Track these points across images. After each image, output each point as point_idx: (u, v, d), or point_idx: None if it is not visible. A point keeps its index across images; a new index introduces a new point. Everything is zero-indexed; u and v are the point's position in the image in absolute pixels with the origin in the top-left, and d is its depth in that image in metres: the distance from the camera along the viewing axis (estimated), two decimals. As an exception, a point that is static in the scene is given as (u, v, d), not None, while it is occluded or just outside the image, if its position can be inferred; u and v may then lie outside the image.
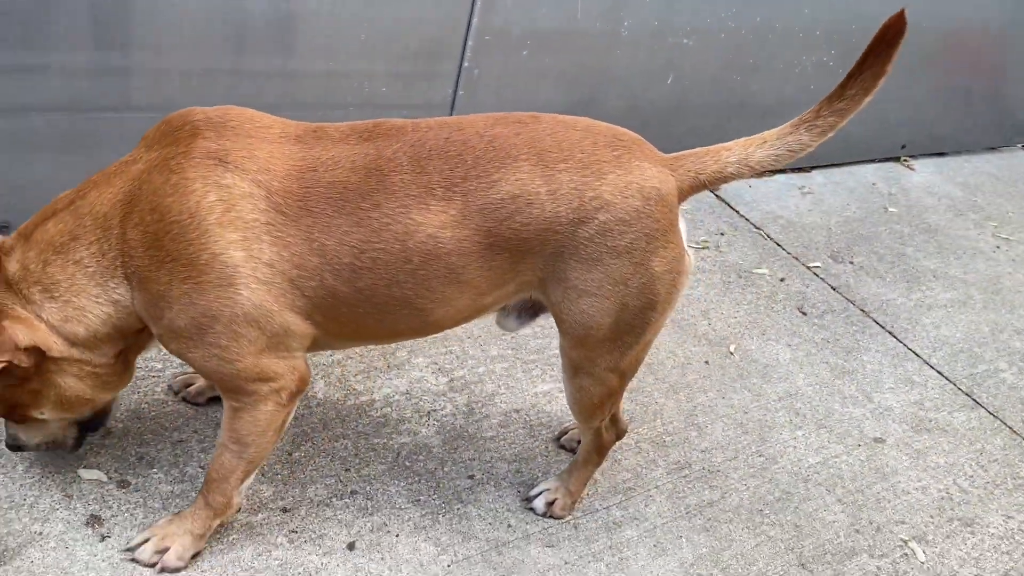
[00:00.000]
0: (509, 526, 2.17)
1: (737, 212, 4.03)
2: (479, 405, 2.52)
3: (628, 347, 1.86)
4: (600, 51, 3.51)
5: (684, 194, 1.83)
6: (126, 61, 2.54)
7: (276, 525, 2.01)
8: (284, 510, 2.05)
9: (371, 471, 2.22)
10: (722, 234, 3.80)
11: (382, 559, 2.00)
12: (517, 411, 2.53)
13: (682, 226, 1.84)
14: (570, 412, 2.10)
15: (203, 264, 1.55)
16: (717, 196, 4.13)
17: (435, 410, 2.46)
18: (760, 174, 1.88)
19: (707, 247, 3.66)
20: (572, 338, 1.85)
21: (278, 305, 1.62)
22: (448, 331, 2.75)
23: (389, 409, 2.43)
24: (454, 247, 1.64)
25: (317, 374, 2.46)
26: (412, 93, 3.11)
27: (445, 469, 2.28)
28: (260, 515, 2.03)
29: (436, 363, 2.64)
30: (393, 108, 3.09)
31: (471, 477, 2.27)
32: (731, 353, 3.03)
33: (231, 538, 1.95)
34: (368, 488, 2.17)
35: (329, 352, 2.56)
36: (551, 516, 2.20)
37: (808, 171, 4.60)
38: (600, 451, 2.17)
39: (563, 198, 1.67)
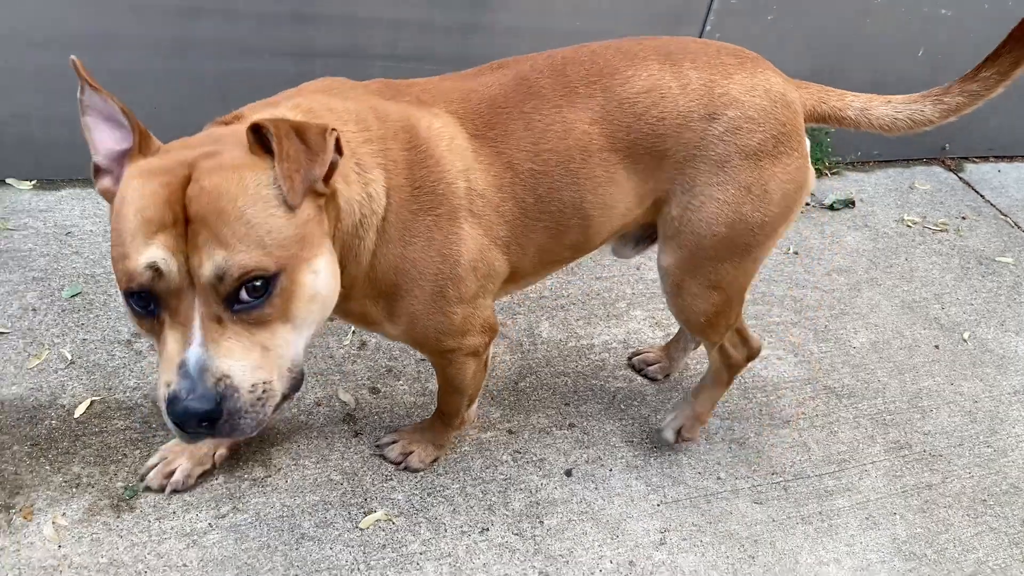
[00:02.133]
0: (719, 478, 2.22)
1: (982, 196, 3.78)
2: (693, 361, 2.57)
3: (734, 263, 1.80)
4: (847, 18, 3.39)
5: (805, 115, 1.79)
6: (396, 14, 2.77)
7: (502, 444, 2.18)
8: (510, 432, 2.22)
9: (588, 409, 2.34)
10: (963, 218, 3.59)
11: (596, 489, 2.12)
12: (733, 371, 2.56)
13: (807, 142, 1.79)
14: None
15: (439, 195, 1.53)
16: (960, 178, 3.89)
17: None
18: (878, 130, 1.80)
19: (945, 230, 3.48)
20: (680, 253, 1.78)
21: (488, 239, 1.61)
22: (669, 288, 2.81)
23: (607, 355, 2.53)
24: (604, 142, 1.65)
25: (542, 316, 2.61)
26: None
27: (658, 417, 2.36)
28: (489, 433, 2.20)
29: (653, 317, 2.71)
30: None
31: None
32: (964, 340, 2.89)
33: (463, 450, 2.14)
34: (585, 424, 2.29)
35: (552, 297, 2.69)
36: (682, 440, 2.21)
37: (1069, 159, 4.22)
38: (730, 370, 2.13)
39: (693, 92, 1.66)
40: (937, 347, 2.84)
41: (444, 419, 2.02)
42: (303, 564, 1.82)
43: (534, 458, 2.16)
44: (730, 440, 2.34)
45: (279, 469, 2.01)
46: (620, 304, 2.73)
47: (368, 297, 1.56)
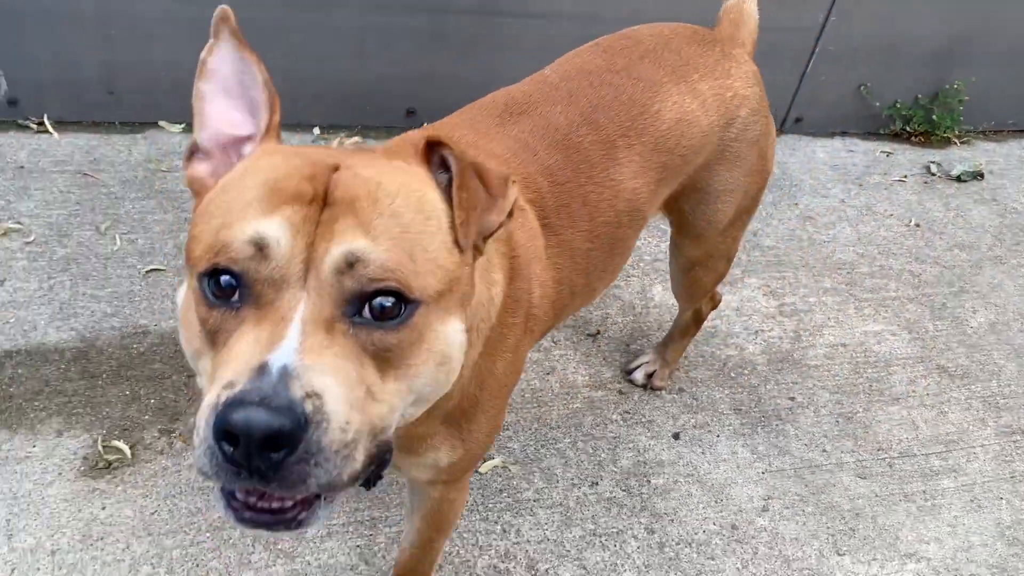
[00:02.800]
0: (824, 451, 2.27)
1: (1124, 173, 3.61)
2: (806, 333, 2.60)
3: (741, 231, 1.92)
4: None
5: None
6: (527, -28, 2.81)
7: (612, 404, 2.28)
8: (620, 392, 2.31)
9: (698, 375, 2.41)
10: (1101, 196, 3.44)
11: (702, 453, 2.20)
12: (844, 345, 2.58)
13: None
14: (676, 298, 2.18)
15: (525, 307, 1.34)
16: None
17: (763, 331, 2.58)
18: None
19: (1080, 208, 3.35)
20: (695, 237, 1.85)
21: (534, 339, 1.45)
22: (783, 257, 2.83)
23: (719, 322, 2.58)
24: (647, 192, 1.57)
25: (656, 279, 2.67)
26: (782, 15, 3.11)
27: (767, 387, 2.41)
28: (600, 392, 2.30)
29: (768, 286, 2.74)
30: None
31: (792, 399, 2.39)
32: (1090, 326, 2.81)
33: (575, 406, 2.25)
34: (694, 389, 2.37)
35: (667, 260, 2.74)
36: (651, 388, 2.31)
37: None
38: (698, 323, 2.27)
39: (711, 107, 1.63)
40: (1061, 332, 2.78)
41: None
42: (427, 503, 1.98)
43: (643, 419, 2.26)
44: (838, 414, 2.37)
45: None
46: (735, 271, 2.76)
47: (443, 418, 1.27)
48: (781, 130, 3.44)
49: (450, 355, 0.99)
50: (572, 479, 2.09)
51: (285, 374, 0.82)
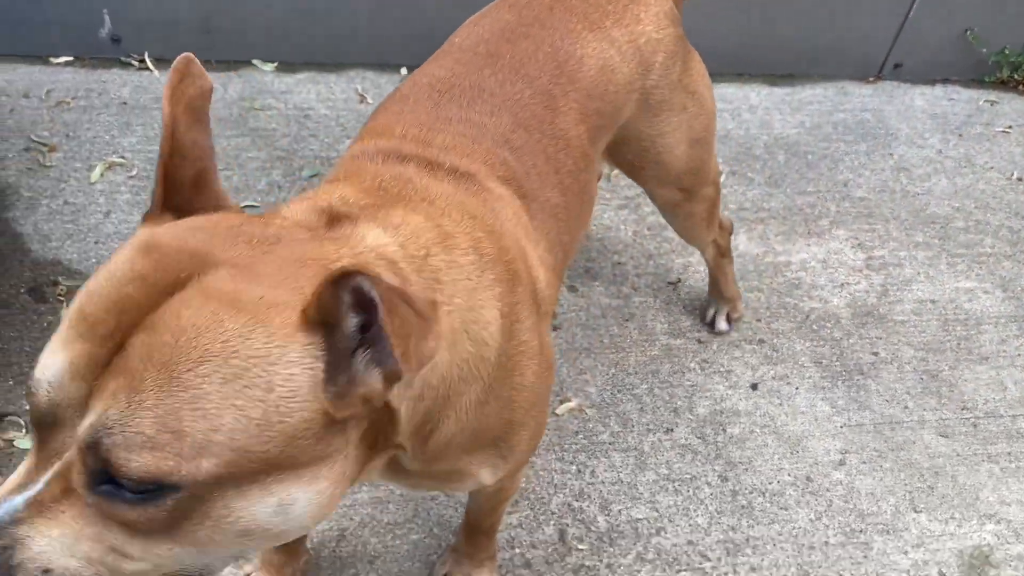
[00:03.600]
0: (906, 408, 2.24)
1: None
2: (894, 288, 2.54)
3: (708, 158, 1.87)
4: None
5: None
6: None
7: (691, 352, 2.29)
8: (699, 341, 2.32)
9: (780, 326, 2.39)
10: None
11: (780, 405, 2.20)
12: (933, 302, 2.52)
13: None
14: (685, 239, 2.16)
15: (535, 302, 1.27)
16: None
17: (848, 283, 2.54)
18: None
19: None
20: (656, 180, 1.85)
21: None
22: (874, 209, 2.76)
23: (804, 273, 2.55)
24: (587, 138, 1.53)
25: (740, 228, 2.63)
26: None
27: (850, 341, 2.38)
28: (679, 340, 2.31)
29: (856, 238, 2.68)
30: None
31: (875, 354, 2.36)
32: None
33: (652, 353, 2.27)
34: (775, 341, 2.35)
35: (753, 209, 2.71)
36: (734, 321, 2.35)
37: None
38: (724, 254, 2.24)
39: (627, 54, 1.56)
40: None
41: (490, 533, 1.74)
42: (505, 441, 2.04)
43: (721, 368, 2.26)
44: (922, 371, 2.33)
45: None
46: (823, 222, 2.71)
47: (466, 452, 1.17)
48: (879, 75, 3.32)
49: (259, 523, 0.83)
50: (648, 424, 2.12)
51: (7, 521, 0.80)
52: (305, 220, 0.99)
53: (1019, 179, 3.00)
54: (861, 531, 1.99)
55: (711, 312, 2.35)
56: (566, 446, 2.05)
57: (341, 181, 1.17)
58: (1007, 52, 3.30)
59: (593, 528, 1.92)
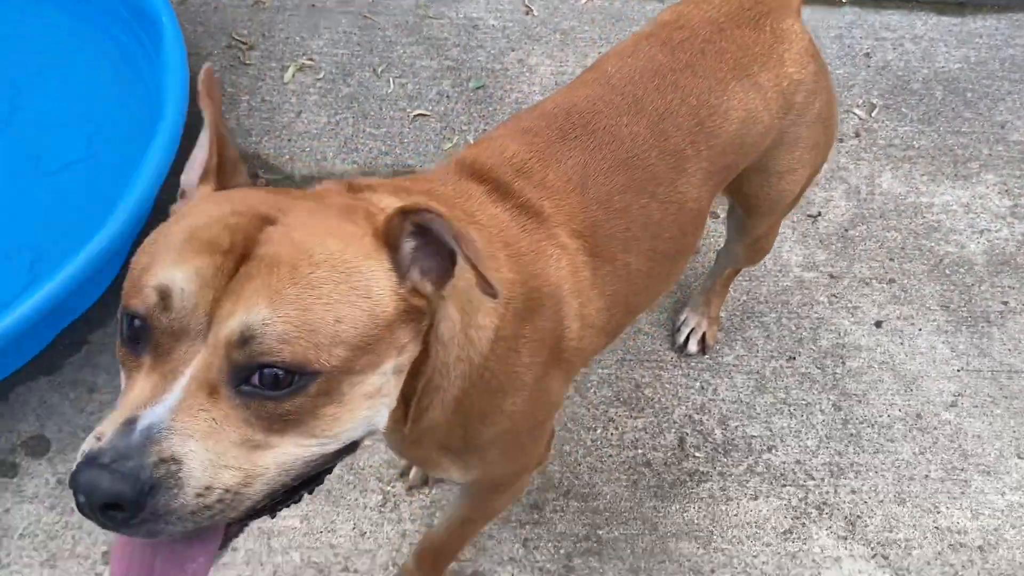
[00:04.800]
0: (1027, 358, 2.33)
1: None
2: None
3: (805, 190, 1.86)
4: None
5: None
6: None
7: (822, 287, 2.43)
8: (831, 276, 2.45)
9: (912, 268, 2.49)
10: None
11: (901, 344, 2.33)
12: (1076, 255, 2.55)
13: None
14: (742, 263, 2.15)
15: (551, 345, 1.33)
16: None
17: (989, 230, 2.58)
18: None
19: None
20: (761, 215, 1.84)
21: (579, 364, 1.46)
22: (1030, 155, 2.74)
23: (944, 216, 2.60)
24: (709, 197, 1.56)
25: (887, 165, 2.69)
26: None
27: (982, 288, 2.46)
28: (810, 273, 2.45)
29: (1005, 184, 2.69)
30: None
31: (1005, 303, 2.43)
32: None
33: (785, 284, 2.42)
34: (905, 281, 2.46)
35: (902, 147, 2.74)
36: (705, 350, 2.27)
37: None
38: (736, 274, 2.24)
39: (772, 101, 1.55)
40: None
41: (444, 560, 1.84)
42: (636, 352, 2.28)
43: (848, 304, 2.40)
44: (1051, 324, 2.40)
45: (627, 270, 2.42)
46: (972, 164, 2.72)
47: (439, 447, 1.31)
48: (1059, 8, 3.18)
49: (360, 413, 0.98)
50: (772, 351, 2.31)
51: (147, 436, 0.85)
52: (336, 190, 1.15)
53: None
54: (962, 469, 2.15)
55: (686, 332, 2.26)
56: (692, 363, 2.27)
57: (416, 179, 1.32)
58: None
59: (710, 439, 2.16)
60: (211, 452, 0.87)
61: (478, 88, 2.79)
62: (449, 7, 3.00)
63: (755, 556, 2.02)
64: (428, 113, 2.72)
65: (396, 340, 0.99)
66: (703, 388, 2.24)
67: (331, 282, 0.93)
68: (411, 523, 2.00)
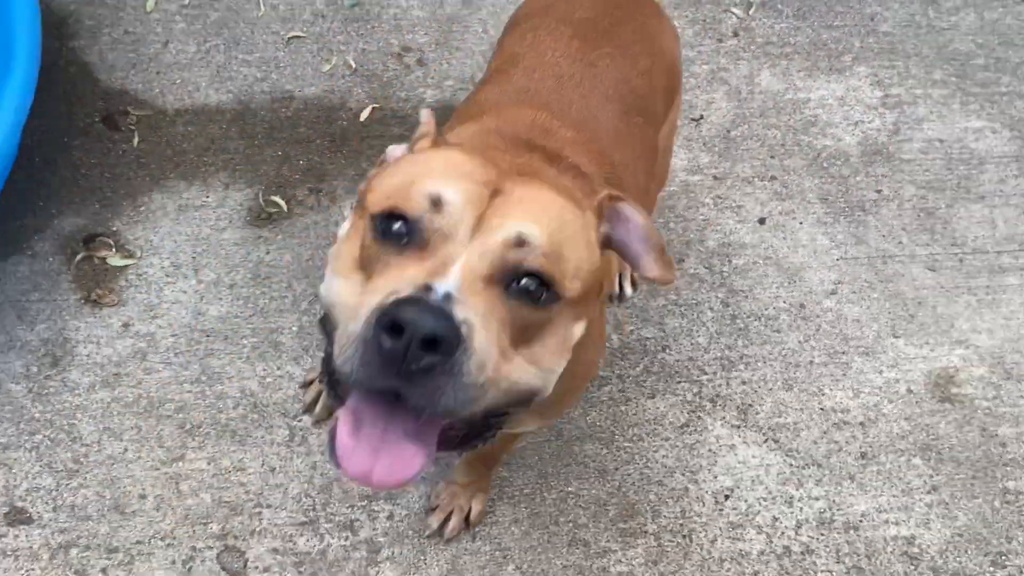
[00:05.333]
0: (900, 243, 2.46)
1: None
2: (906, 126, 2.68)
3: None
4: None
5: None
6: None
7: (707, 188, 2.49)
8: (715, 178, 2.51)
9: (792, 163, 2.57)
10: None
11: (784, 238, 2.43)
12: (941, 140, 2.67)
13: None
14: None
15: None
16: None
17: (863, 121, 2.68)
18: None
19: None
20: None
21: None
22: (897, 45, 2.83)
23: (821, 111, 2.68)
24: (663, 112, 1.77)
25: (765, 63, 2.74)
26: None
27: (857, 178, 2.56)
28: (696, 177, 2.51)
29: (876, 75, 2.78)
30: None
31: (878, 192, 2.54)
32: None
33: (670, 189, 2.47)
34: (785, 177, 2.54)
35: (779, 43, 2.79)
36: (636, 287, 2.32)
37: None
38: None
39: (673, 40, 1.83)
40: None
41: (491, 466, 1.92)
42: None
43: (733, 204, 2.47)
44: (920, 208, 2.53)
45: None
46: (846, 57, 2.80)
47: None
48: None
49: (567, 356, 1.09)
50: (662, 254, 2.36)
51: (448, 297, 0.91)
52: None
53: (1047, 13, 3.01)
54: (843, 352, 2.28)
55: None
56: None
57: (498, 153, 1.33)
58: None
59: (607, 345, 2.22)
60: (488, 332, 0.94)
61: (354, 6, 2.70)
62: (317, -79, 2.87)
63: (655, 451, 2.11)
64: (303, 35, 2.62)
65: (594, 299, 1.13)
66: (598, 296, 2.29)
67: (575, 227, 1.07)
68: (320, 455, 2.02)
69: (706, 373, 2.21)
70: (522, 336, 1.01)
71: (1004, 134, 2.71)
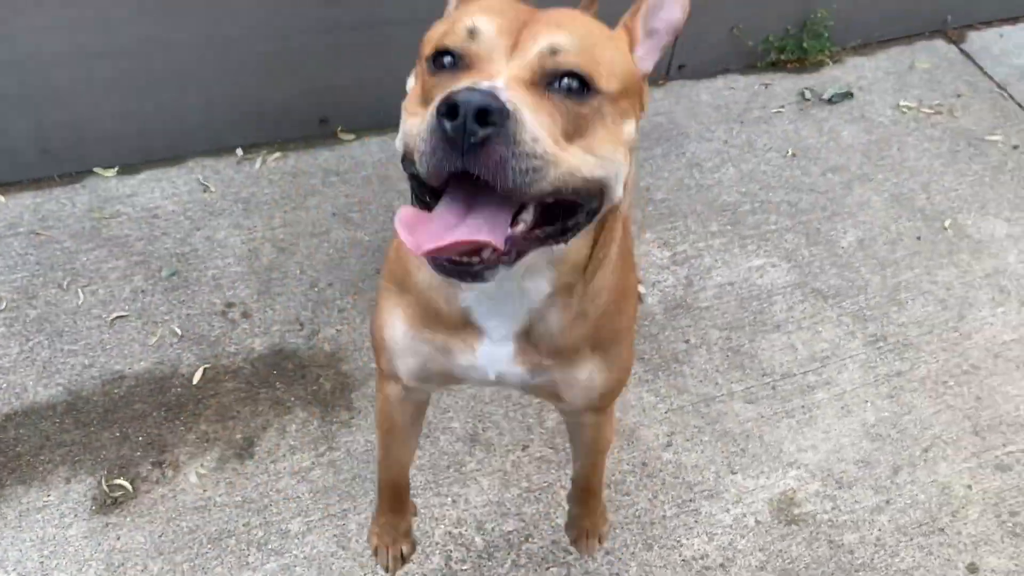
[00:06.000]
0: (716, 384, 2.68)
1: (980, 68, 3.96)
2: (697, 278, 2.98)
3: None
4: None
5: None
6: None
7: (535, 374, 2.66)
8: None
9: (606, 333, 2.79)
10: (959, 96, 3.81)
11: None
12: (731, 284, 2.97)
13: None
14: None
15: None
16: (962, 50, 4.06)
17: (659, 281, 2.96)
18: None
19: (940, 112, 3.71)
20: None
21: None
22: (674, 207, 3.18)
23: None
24: None
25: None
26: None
27: (665, 333, 2.80)
28: (523, 366, 2.68)
29: (661, 238, 3.10)
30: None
31: (686, 342, 2.79)
32: (945, 228, 3.22)
33: (502, 382, 2.63)
34: (604, 347, 2.75)
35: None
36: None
37: (1075, 12, 4.31)
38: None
39: None
40: (919, 238, 3.19)
41: (597, 493, 2.14)
42: (387, 488, 2.37)
43: (562, 383, 2.64)
44: (727, 348, 2.78)
45: (359, 411, 2.53)
46: (632, 228, 3.11)
47: (591, 331, 1.45)
48: (666, 77, 3.73)
49: (623, 149, 1.19)
50: (507, 445, 2.49)
51: (495, 88, 1.04)
52: None
53: (793, 155, 3.47)
54: (691, 500, 2.42)
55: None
56: (440, 480, 2.40)
57: None
58: (771, 39, 3.77)
59: (472, 548, 2.29)
60: (538, 117, 1.06)
61: (171, 275, 2.82)
62: (124, 203, 3.02)
63: (539, 644, 2.15)
64: (126, 313, 2.71)
65: (636, 104, 1.25)
66: (455, 502, 2.37)
67: (602, 36, 1.22)
68: None
69: (571, 553, 2.30)
70: (574, 129, 1.12)
71: (783, 266, 3.05)
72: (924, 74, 3.91)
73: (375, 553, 2.18)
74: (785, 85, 3.79)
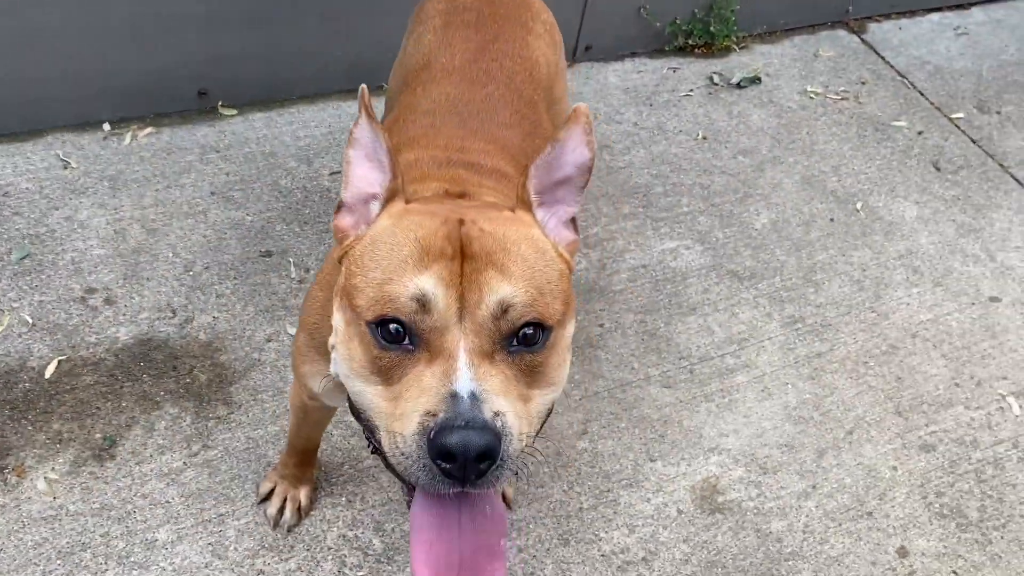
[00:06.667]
0: (632, 369, 2.51)
1: (882, 58, 3.97)
2: (610, 261, 2.82)
3: None
4: None
5: None
6: None
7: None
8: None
9: (515, 317, 2.59)
10: (863, 83, 3.79)
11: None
12: (644, 267, 2.82)
13: None
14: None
15: None
16: (863, 40, 4.06)
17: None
18: None
19: (846, 98, 3.68)
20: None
21: None
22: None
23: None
24: (548, 119, 2.03)
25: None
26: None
27: (579, 318, 2.62)
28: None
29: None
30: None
31: (601, 326, 2.61)
32: (857, 210, 3.16)
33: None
34: (513, 332, 2.55)
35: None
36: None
37: (968, 8, 4.39)
38: None
39: (548, 41, 2.14)
40: (832, 220, 3.11)
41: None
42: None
43: (468, 370, 2.42)
44: (642, 332, 2.62)
45: (240, 405, 2.25)
46: (540, 210, 2.93)
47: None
48: (573, 60, 3.59)
49: (566, 360, 1.22)
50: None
51: (475, 399, 1.03)
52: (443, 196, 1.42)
53: (704, 138, 3.37)
54: (608, 490, 2.23)
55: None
56: (333, 480, 2.14)
57: (420, 181, 1.52)
58: (678, 22, 3.67)
59: (371, 551, 2.03)
60: (514, 404, 1.07)
61: (23, 258, 2.47)
62: (-31, 180, 2.66)
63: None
64: (-35, 302, 2.35)
65: (573, 303, 1.24)
66: (350, 501, 2.11)
67: (532, 254, 1.17)
68: None
69: (479, 552, 2.07)
70: (531, 378, 1.13)
71: (696, 248, 2.91)
72: (829, 62, 3.88)
73: (265, 498, 2.04)
74: (694, 69, 3.69)
